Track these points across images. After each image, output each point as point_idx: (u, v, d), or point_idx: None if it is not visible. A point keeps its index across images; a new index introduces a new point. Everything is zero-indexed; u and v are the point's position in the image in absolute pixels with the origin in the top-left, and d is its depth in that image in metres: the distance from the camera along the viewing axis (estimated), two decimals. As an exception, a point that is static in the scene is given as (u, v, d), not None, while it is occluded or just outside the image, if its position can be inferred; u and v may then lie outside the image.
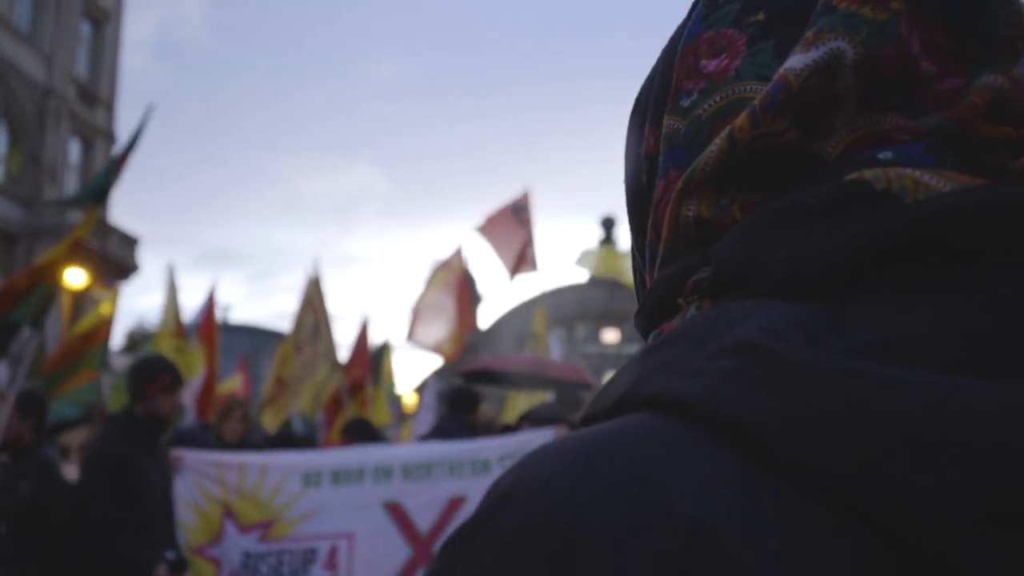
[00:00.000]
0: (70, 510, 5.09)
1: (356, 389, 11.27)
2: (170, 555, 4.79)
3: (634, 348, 38.28)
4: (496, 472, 5.18)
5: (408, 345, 11.44)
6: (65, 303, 24.09)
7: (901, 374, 0.41)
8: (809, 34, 0.57)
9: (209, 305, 11.87)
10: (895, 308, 0.45)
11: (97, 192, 7.92)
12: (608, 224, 38.77)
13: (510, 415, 12.24)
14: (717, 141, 0.58)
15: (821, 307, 0.47)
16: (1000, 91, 0.55)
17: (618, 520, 0.42)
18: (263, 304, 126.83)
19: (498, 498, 0.48)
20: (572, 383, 10.00)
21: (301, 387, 11.05)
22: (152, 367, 5.38)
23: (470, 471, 5.28)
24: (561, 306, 36.69)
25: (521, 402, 13.07)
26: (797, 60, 0.56)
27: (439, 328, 11.67)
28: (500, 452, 5.37)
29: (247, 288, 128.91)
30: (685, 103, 0.64)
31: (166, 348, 11.02)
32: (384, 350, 15.44)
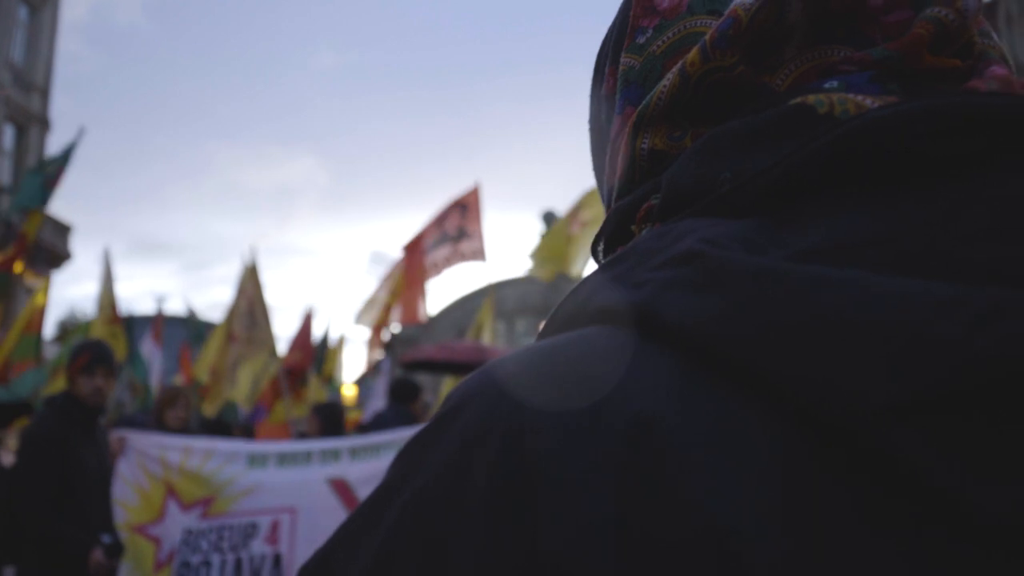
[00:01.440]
0: (5, 493, 5.03)
1: (295, 376, 11.23)
2: (106, 539, 4.76)
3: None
4: None
5: (358, 328, 11.44)
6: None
7: (829, 272, 0.42)
8: None
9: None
10: (830, 219, 0.46)
11: (32, 203, 7.82)
12: (549, 219, 38.94)
13: None
14: (669, 76, 0.60)
15: (761, 220, 0.48)
16: (944, 22, 0.56)
17: (563, 412, 0.45)
18: (200, 294, 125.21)
19: (457, 402, 0.50)
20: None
21: (237, 375, 10.95)
22: (75, 348, 5.29)
23: None
24: (501, 300, 36.77)
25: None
26: None
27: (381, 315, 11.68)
28: None
29: (183, 278, 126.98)
30: (640, 40, 0.66)
31: (100, 335, 10.87)
32: (326, 341, 15.37)
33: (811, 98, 0.52)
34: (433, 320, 33.50)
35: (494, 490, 0.45)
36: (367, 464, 5.26)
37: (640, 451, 0.42)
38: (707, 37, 0.58)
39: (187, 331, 20.52)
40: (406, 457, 0.52)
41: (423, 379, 11.68)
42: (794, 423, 0.41)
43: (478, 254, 11.41)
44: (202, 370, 11.88)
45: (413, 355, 11.08)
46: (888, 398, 0.38)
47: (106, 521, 4.88)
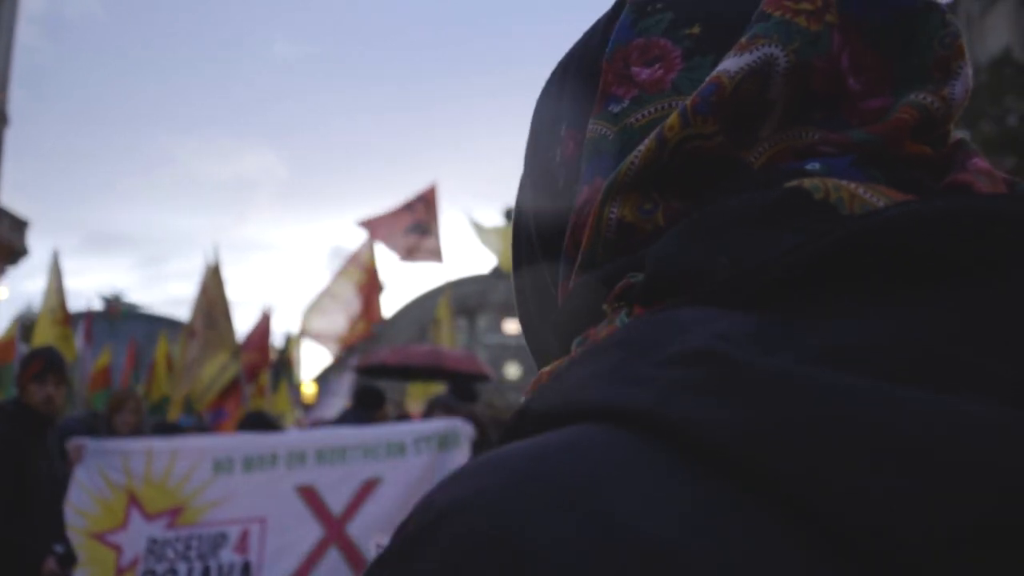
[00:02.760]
0: None
1: (252, 376, 11.22)
2: (59, 548, 4.71)
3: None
4: (411, 454, 5.26)
5: (304, 337, 11.38)
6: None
7: (862, 383, 0.38)
8: (743, 39, 0.57)
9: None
10: (840, 319, 0.43)
11: None
12: (511, 215, 39.05)
13: (412, 406, 12.35)
14: (645, 142, 0.57)
15: (767, 316, 0.44)
16: (929, 109, 0.56)
17: (570, 537, 0.38)
18: (156, 290, 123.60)
19: (435, 515, 0.43)
20: (469, 374, 10.12)
21: (192, 374, 10.89)
22: (27, 355, 5.25)
23: (384, 453, 5.30)
24: (463, 296, 36.81)
25: (420, 392, 13.14)
26: (731, 63, 0.56)
27: (338, 319, 11.67)
28: (415, 435, 5.38)
29: (139, 273, 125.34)
30: (615, 109, 0.62)
31: (49, 336, 10.77)
32: (289, 340, 15.32)
33: (807, 183, 0.50)
34: (392, 319, 33.36)
35: None
36: (334, 469, 5.26)
37: None
38: (687, 103, 0.56)
39: (143, 328, 20.21)
40: (379, 570, 0.45)
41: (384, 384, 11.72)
42: (824, 546, 0.36)
43: (436, 253, 11.42)
44: (167, 383, 11.78)
45: (368, 359, 11.06)
46: (950, 530, 0.34)
47: (58, 530, 4.84)
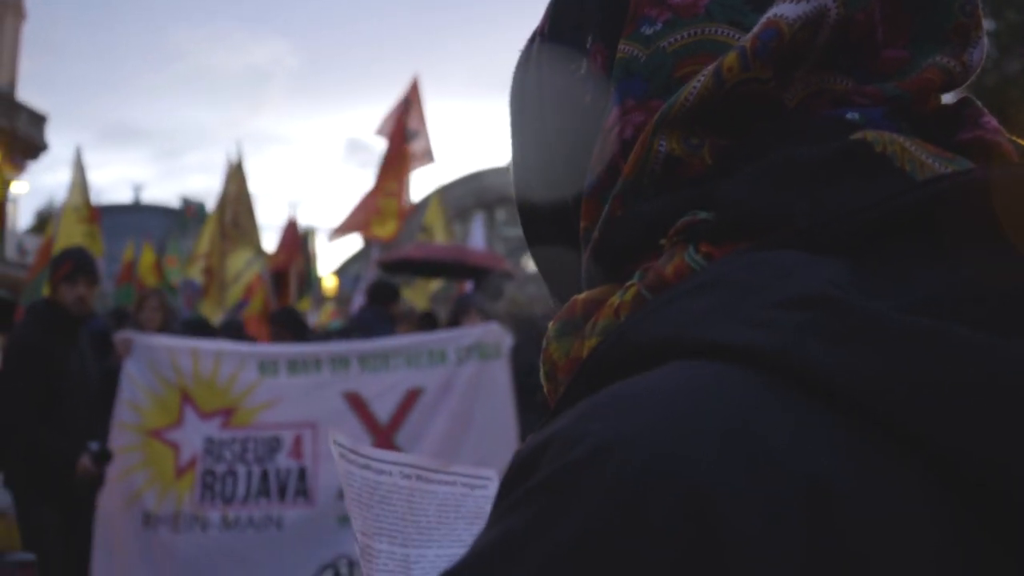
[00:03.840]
0: None
1: (280, 276, 11.28)
2: (94, 446, 4.77)
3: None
4: (453, 363, 5.36)
5: (338, 235, 11.05)
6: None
7: (976, 336, 0.42)
8: None
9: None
10: (929, 269, 0.46)
11: None
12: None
13: (419, 300, 12.34)
14: (701, 78, 0.58)
15: (860, 262, 0.48)
16: (951, 72, 0.60)
17: (737, 473, 0.40)
18: (174, 183, 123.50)
19: (591, 449, 0.42)
20: (493, 271, 10.15)
21: (226, 273, 10.90)
22: (58, 257, 5.23)
23: (427, 362, 5.37)
24: (481, 190, 36.67)
25: (430, 286, 12.96)
26: (788, 9, 0.57)
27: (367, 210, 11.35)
28: (456, 344, 5.44)
29: (156, 166, 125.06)
30: (647, 31, 0.62)
31: (75, 233, 10.81)
32: (308, 235, 15.29)
33: (868, 135, 0.54)
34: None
35: (672, 563, 0.39)
36: (378, 376, 5.34)
37: (820, 523, 0.39)
38: (748, 44, 0.57)
39: (162, 222, 20.21)
40: (526, 510, 0.43)
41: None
42: (965, 497, 0.40)
43: (427, 155, 10.85)
44: (195, 268, 11.82)
45: (392, 255, 11.03)
46: None
47: (93, 428, 4.92)
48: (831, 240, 0.49)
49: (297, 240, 11.63)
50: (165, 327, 6.74)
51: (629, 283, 0.56)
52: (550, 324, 0.63)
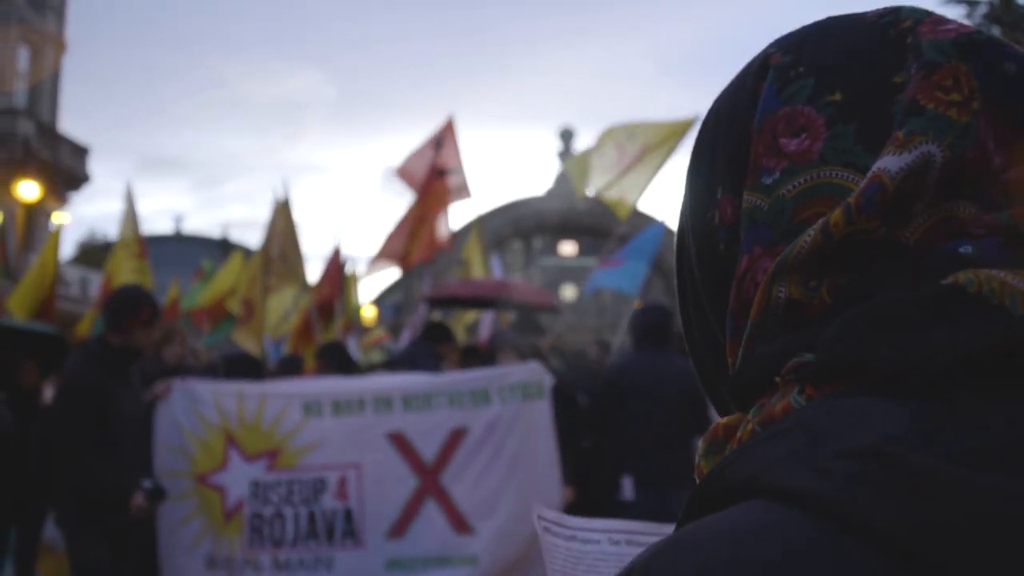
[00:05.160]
0: (44, 440, 5.05)
1: (325, 309, 11.39)
2: (147, 483, 4.82)
3: (591, 261, 38.34)
4: (496, 403, 5.38)
5: (375, 266, 11.18)
6: (18, 216, 23.84)
7: (1013, 484, 0.45)
8: (900, 134, 0.61)
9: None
10: (999, 415, 0.49)
11: None
12: (567, 136, 38.82)
13: (457, 332, 12.44)
14: (811, 232, 0.61)
15: (929, 408, 0.51)
16: None
17: None
18: (214, 213, 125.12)
19: None
20: (536, 306, 10.22)
21: (267, 306, 11.00)
22: (134, 300, 5.18)
23: (470, 402, 5.41)
24: (519, 219, 36.79)
25: (466, 317, 13.04)
26: (891, 162, 0.60)
27: (400, 238, 11.46)
28: (499, 384, 5.46)
29: (195, 196, 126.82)
30: (767, 181, 0.66)
31: (126, 269, 10.99)
32: (346, 264, 15.34)
33: (961, 277, 0.55)
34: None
35: None
36: (420, 416, 5.38)
37: None
38: (852, 200, 0.60)
39: (204, 252, 20.45)
40: None
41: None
42: None
43: (463, 190, 10.92)
44: (235, 301, 11.97)
45: (438, 291, 11.15)
46: None
47: (144, 467, 4.98)
48: (910, 385, 0.52)
49: (341, 271, 11.70)
50: (182, 362, 6.83)
51: (749, 417, 0.62)
52: (700, 441, 0.69)
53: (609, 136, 9.81)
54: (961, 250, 0.59)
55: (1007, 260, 0.58)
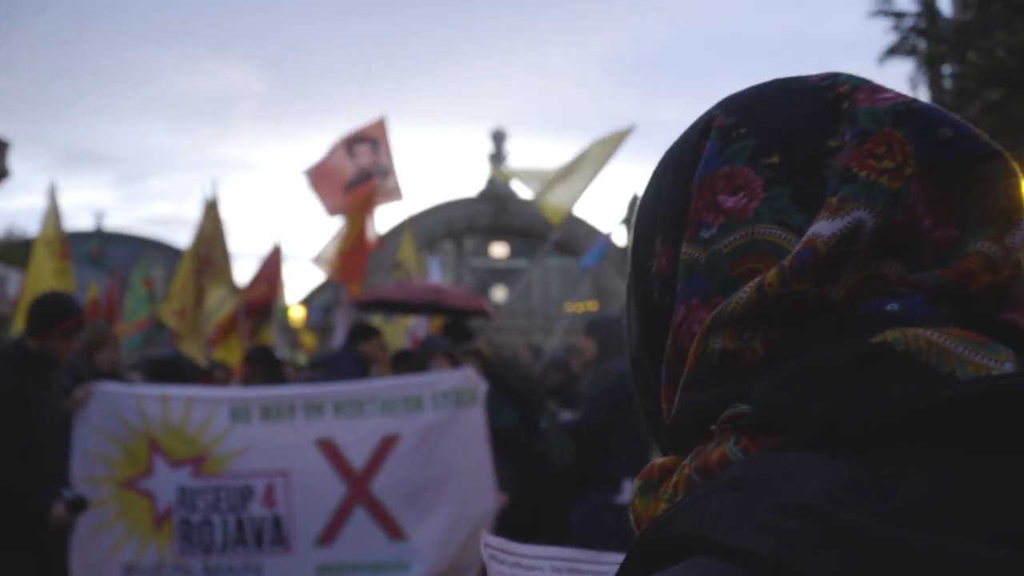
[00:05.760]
0: None
1: (256, 310, 11.25)
2: (67, 494, 4.70)
3: (522, 262, 38.52)
4: (429, 410, 5.35)
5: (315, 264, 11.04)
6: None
7: (939, 543, 0.49)
8: (833, 200, 0.64)
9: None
10: (930, 473, 0.53)
11: None
12: (499, 138, 38.86)
13: (397, 338, 12.42)
14: (747, 290, 0.65)
15: (863, 465, 0.54)
16: (992, 257, 0.64)
17: None
18: (137, 209, 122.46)
19: None
20: (469, 311, 10.21)
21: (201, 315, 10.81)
22: (61, 309, 5.01)
23: (403, 409, 5.37)
24: (450, 220, 36.71)
25: (407, 323, 13.03)
26: (825, 227, 0.63)
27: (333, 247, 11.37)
28: (432, 390, 5.44)
29: (118, 192, 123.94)
30: (705, 235, 0.69)
31: (46, 270, 10.70)
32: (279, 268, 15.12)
33: (890, 336, 0.59)
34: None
35: None
36: (353, 423, 5.35)
37: None
38: (787, 263, 0.64)
39: (126, 251, 19.93)
40: None
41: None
42: None
43: (395, 193, 10.89)
44: (167, 310, 11.74)
45: (369, 295, 11.06)
46: None
47: (65, 476, 4.85)
48: (840, 442, 0.55)
49: (280, 270, 11.55)
50: (116, 368, 6.67)
51: (685, 463, 0.65)
52: (635, 480, 0.72)
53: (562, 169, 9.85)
54: (887, 308, 0.63)
55: (932, 318, 0.61)
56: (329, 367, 7.70)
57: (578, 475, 6.13)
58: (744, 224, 0.68)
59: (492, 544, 1.01)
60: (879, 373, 0.58)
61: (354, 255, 10.33)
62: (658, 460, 0.71)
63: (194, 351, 9.99)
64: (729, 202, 0.69)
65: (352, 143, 10.89)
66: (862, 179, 0.65)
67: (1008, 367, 0.60)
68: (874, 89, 0.71)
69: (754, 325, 0.65)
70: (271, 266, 11.63)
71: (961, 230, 0.66)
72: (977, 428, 0.54)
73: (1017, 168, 0.69)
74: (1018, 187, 0.68)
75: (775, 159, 0.69)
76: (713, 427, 0.64)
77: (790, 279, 0.63)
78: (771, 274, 0.64)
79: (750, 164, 0.70)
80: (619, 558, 1.06)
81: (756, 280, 0.65)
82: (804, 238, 0.64)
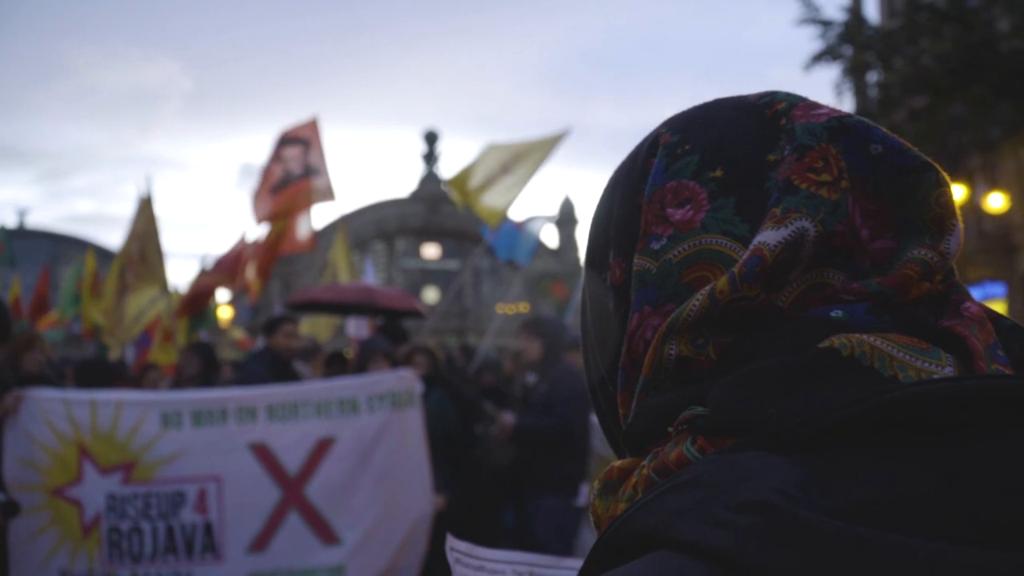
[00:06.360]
0: None
1: (204, 299, 11.06)
2: (0, 497, 4.64)
3: (454, 263, 38.56)
4: (365, 413, 5.30)
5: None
6: None
7: (886, 538, 0.52)
8: (777, 211, 0.68)
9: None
10: (877, 471, 0.56)
11: None
12: (431, 138, 38.74)
13: (323, 333, 12.31)
14: (699, 298, 0.68)
15: (813, 464, 0.57)
16: (929, 264, 0.69)
17: None
18: (60, 207, 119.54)
19: None
20: (401, 311, 10.15)
21: (125, 310, 10.64)
22: None
23: (338, 411, 5.33)
24: (382, 220, 36.53)
25: (333, 320, 12.95)
26: (770, 236, 0.67)
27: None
28: (367, 392, 5.40)
29: (40, 189, 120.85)
30: (655, 246, 0.73)
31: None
32: (204, 264, 14.95)
33: (836, 341, 0.62)
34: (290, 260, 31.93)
35: None
36: (287, 426, 5.28)
37: None
38: (736, 270, 0.67)
39: (49, 248, 19.55)
40: None
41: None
42: None
43: (327, 193, 10.96)
44: (95, 309, 11.48)
45: (300, 296, 10.96)
46: None
47: None
48: (793, 442, 0.58)
49: (243, 262, 11.40)
50: (43, 370, 6.51)
51: (643, 464, 0.68)
52: (595, 482, 0.74)
53: (493, 152, 9.87)
54: (832, 314, 0.66)
55: (874, 325, 0.65)
56: (241, 368, 7.61)
57: (534, 478, 6.15)
58: (692, 235, 0.72)
59: (457, 548, 1.03)
60: (827, 377, 0.61)
61: (264, 257, 10.23)
62: (617, 462, 0.73)
63: (114, 347, 9.80)
64: (677, 214, 0.73)
65: (282, 145, 10.78)
66: (803, 191, 0.69)
67: (949, 371, 0.63)
68: (810, 106, 0.75)
69: (707, 331, 0.68)
70: (235, 254, 11.48)
71: (897, 240, 0.71)
72: (921, 429, 0.57)
73: (947, 178, 0.73)
74: (949, 195, 0.72)
75: (719, 173, 0.73)
76: (670, 429, 0.67)
77: (740, 285, 0.66)
78: (722, 281, 0.67)
79: (695, 178, 0.74)
80: (579, 563, 1.09)
81: (707, 288, 0.68)
82: (751, 246, 0.68)
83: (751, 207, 0.71)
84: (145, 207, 10.17)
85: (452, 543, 1.03)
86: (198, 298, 11.30)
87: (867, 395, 0.58)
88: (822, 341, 0.63)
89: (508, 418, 6.41)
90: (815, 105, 0.75)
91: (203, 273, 11.45)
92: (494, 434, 6.54)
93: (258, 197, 10.52)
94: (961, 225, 0.73)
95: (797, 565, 0.52)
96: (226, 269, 11.41)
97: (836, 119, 0.72)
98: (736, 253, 0.70)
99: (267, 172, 10.60)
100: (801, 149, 0.71)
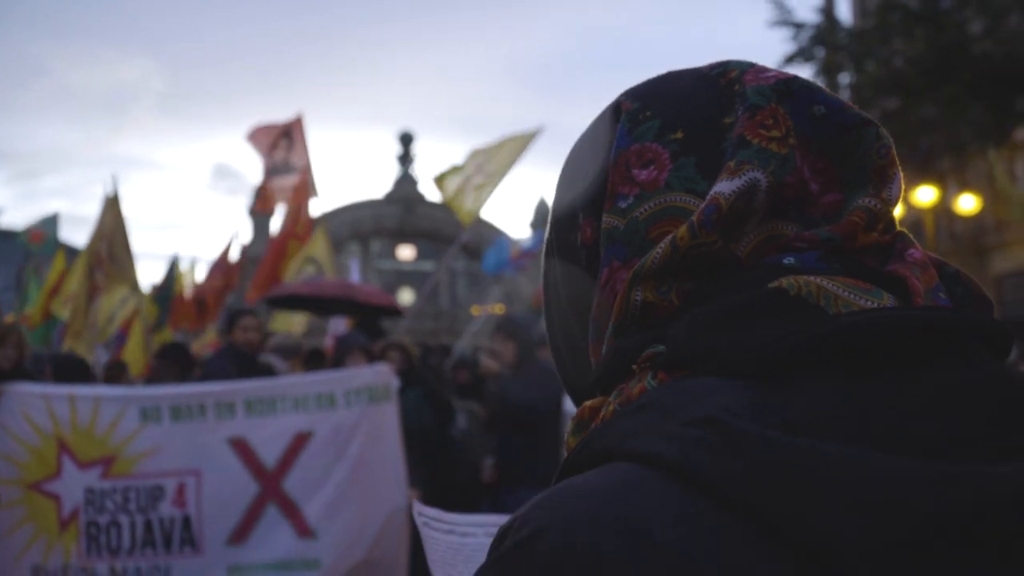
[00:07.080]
0: None
1: (214, 303, 10.96)
2: None
3: (429, 265, 38.49)
4: (342, 407, 5.35)
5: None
6: None
7: (819, 446, 0.58)
8: (731, 164, 0.73)
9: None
10: (814, 392, 0.63)
11: None
12: (406, 140, 38.69)
13: (295, 328, 12.36)
14: (662, 246, 0.73)
15: (759, 387, 0.64)
16: (874, 211, 0.74)
17: (626, 551, 0.59)
18: (33, 207, 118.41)
19: (530, 532, 0.62)
20: (380, 308, 10.13)
21: (96, 310, 10.55)
22: None
23: (315, 405, 5.36)
24: (357, 221, 36.42)
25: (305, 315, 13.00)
26: (725, 186, 0.72)
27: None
28: (344, 387, 5.44)
29: (13, 189, 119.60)
30: (622, 205, 0.78)
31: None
32: (174, 263, 14.87)
33: (784, 282, 0.68)
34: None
35: None
36: (265, 421, 5.31)
37: None
38: (695, 218, 0.72)
39: (25, 249, 19.40)
40: (493, 569, 0.65)
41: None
42: (793, 559, 0.57)
43: (310, 189, 10.94)
44: (59, 304, 11.37)
45: (279, 291, 10.90)
46: (869, 545, 0.55)
47: None
48: (741, 369, 0.65)
49: (238, 266, 11.37)
50: (19, 366, 6.49)
51: (610, 400, 0.74)
52: (570, 420, 0.80)
53: (475, 156, 9.95)
54: (785, 261, 0.72)
55: (824, 270, 0.71)
56: (204, 365, 7.58)
57: (512, 473, 6.18)
58: (657, 193, 0.77)
59: (425, 513, 1.05)
60: (775, 313, 0.67)
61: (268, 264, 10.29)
62: (588, 403, 0.78)
63: (82, 349, 9.73)
64: (642, 175, 0.78)
65: (276, 137, 10.86)
66: (755, 145, 0.74)
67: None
68: (759, 70, 0.80)
69: (670, 278, 0.73)
70: (226, 257, 11.41)
71: (844, 192, 0.77)
72: (857, 355, 0.64)
73: (886, 134, 0.79)
74: (890, 148, 0.78)
75: (680, 135, 0.78)
76: (635, 367, 0.72)
77: (699, 232, 0.71)
78: (682, 230, 0.72)
79: (658, 140, 0.79)
80: None
81: (669, 236, 0.73)
82: (708, 196, 0.73)
83: (711, 165, 0.76)
84: (112, 206, 10.06)
85: (419, 508, 1.06)
86: (207, 303, 11.28)
87: (807, 327, 0.65)
88: (772, 283, 0.69)
89: (488, 362, 6.45)
90: (764, 69, 0.80)
91: (209, 277, 11.41)
92: (480, 418, 6.54)
93: (262, 188, 10.57)
94: (901, 174, 0.79)
95: (739, 471, 0.59)
96: (222, 272, 11.40)
97: (783, 82, 0.78)
98: (698, 208, 0.74)
99: (265, 165, 10.66)
100: (752, 109, 0.76)
